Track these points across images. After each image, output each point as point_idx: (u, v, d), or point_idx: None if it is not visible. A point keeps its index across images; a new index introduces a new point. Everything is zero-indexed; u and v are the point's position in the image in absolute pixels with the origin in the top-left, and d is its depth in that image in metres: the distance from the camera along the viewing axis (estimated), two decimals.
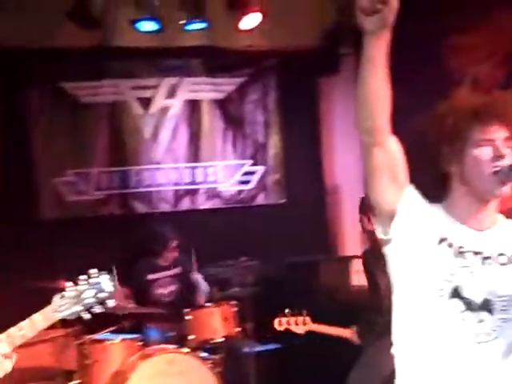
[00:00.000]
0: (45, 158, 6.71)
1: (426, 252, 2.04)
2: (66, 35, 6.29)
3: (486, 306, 2.02)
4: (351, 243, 7.34)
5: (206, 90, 7.25)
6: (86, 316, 2.73)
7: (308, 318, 4.88)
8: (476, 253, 2.06)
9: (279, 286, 6.48)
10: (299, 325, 4.87)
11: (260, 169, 7.38)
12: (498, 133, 2.02)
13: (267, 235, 6.74)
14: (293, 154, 7.37)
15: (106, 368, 4.93)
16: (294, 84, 7.22)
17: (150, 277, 6.04)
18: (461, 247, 2.05)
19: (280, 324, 4.90)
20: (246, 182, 7.33)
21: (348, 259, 6.88)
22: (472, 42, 5.31)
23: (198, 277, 6.11)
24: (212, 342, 5.44)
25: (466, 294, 2.02)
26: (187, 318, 5.42)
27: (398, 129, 2.05)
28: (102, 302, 2.73)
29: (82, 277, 2.74)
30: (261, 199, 7.37)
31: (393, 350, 2.16)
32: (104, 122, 6.93)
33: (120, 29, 6.55)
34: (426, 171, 2.09)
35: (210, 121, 7.25)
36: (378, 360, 4.01)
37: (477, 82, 5.22)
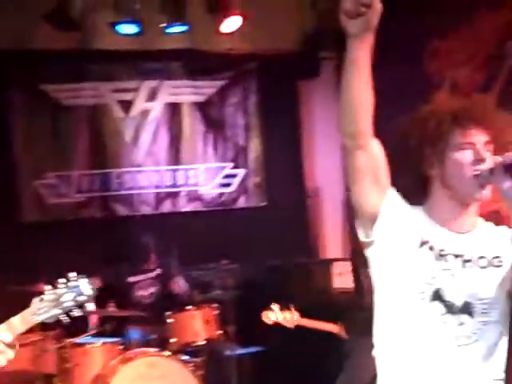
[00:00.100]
0: (26, 160, 6.68)
1: (408, 255, 2.05)
2: (46, 37, 6.26)
3: (467, 309, 2.03)
4: (332, 246, 7.38)
5: (187, 92, 7.25)
6: (65, 319, 2.72)
7: (296, 313, 4.89)
8: (456, 256, 2.07)
9: (260, 288, 6.49)
10: (288, 319, 4.87)
11: (241, 172, 7.39)
12: (478, 136, 2.03)
13: (248, 238, 6.74)
14: (273, 157, 7.39)
15: (86, 372, 4.91)
16: (274, 87, 7.23)
17: (131, 279, 6.02)
18: (442, 250, 2.06)
19: (268, 318, 4.90)
20: (227, 185, 7.33)
21: (329, 262, 6.90)
22: (452, 45, 5.36)
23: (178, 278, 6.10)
24: (194, 345, 5.43)
25: (446, 296, 2.03)
26: (169, 321, 5.41)
27: (379, 132, 2.06)
28: (80, 306, 2.72)
29: (60, 280, 2.73)
30: (242, 202, 7.38)
31: (374, 352, 2.17)
32: (85, 125, 6.90)
33: (100, 31, 6.53)
34: (407, 174, 2.10)
35: (191, 124, 7.25)
36: (364, 363, 4.03)
37: (456, 86, 5.27)
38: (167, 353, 5.09)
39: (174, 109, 7.20)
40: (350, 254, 4.75)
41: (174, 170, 7.17)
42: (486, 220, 2.17)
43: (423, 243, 2.06)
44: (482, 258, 2.08)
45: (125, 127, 7.02)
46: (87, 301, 2.70)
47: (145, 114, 7.09)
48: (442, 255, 2.06)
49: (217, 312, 5.56)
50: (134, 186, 7.02)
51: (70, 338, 4.96)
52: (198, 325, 5.44)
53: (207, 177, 7.27)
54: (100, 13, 6.51)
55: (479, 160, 2.00)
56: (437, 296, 2.03)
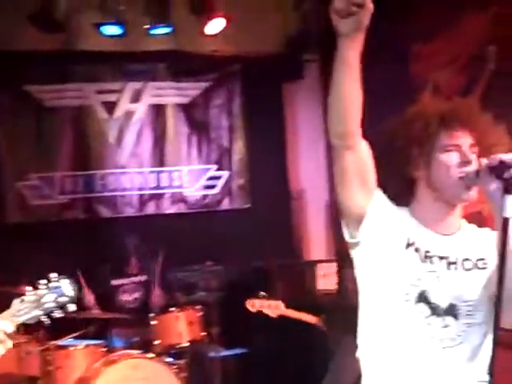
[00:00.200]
0: (9, 161, 6.64)
1: (394, 256, 2.06)
2: (30, 38, 6.24)
3: (452, 311, 2.04)
4: (316, 247, 7.40)
5: (171, 94, 7.24)
6: (46, 321, 2.71)
7: (281, 303, 4.88)
8: (441, 258, 2.07)
9: (244, 290, 6.49)
10: (272, 308, 4.87)
11: (225, 174, 7.39)
12: (464, 139, 2.04)
13: (232, 240, 6.74)
14: (257, 159, 7.39)
15: (69, 374, 4.89)
16: (258, 89, 7.24)
17: (115, 282, 6.00)
18: (427, 252, 2.07)
19: (253, 306, 4.89)
20: (211, 187, 7.33)
21: (313, 263, 6.92)
22: (435, 48, 5.39)
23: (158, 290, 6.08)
24: (177, 346, 5.42)
25: (431, 298, 2.04)
26: (152, 322, 5.40)
27: (364, 132, 2.06)
28: (62, 307, 2.70)
29: (42, 281, 2.72)
30: (226, 204, 7.38)
31: (358, 354, 2.17)
32: (68, 126, 6.87)
33: (84, 32, 6.51)
34: (393, 175, 2.10)
35: (175, 125, 7.24)
36: (348, 364, 4.04)
37: (438, 88, 5.30)
38: (151, 355, 5.08)
39: (158, 110, 7.19)
40: (335, 254, 4.77)
41: (158, 172, 7.15)
42: (469, 221, 2.18)
43: (409, 245, 2.07)
44: (466, 260, 2.09)
45: (109, 128, 7.00)
46: (69, 302, 2.69)
47: (129, 115, 7.07)
48: (427, 257, 2.06)
49: (201, 314, 5.56)
50: (118, 188, 6.99)
51: (53, 340, 4.95)
52: (181, 326, 5.44)
53: (191, 179, 7.26)
54: (84, 14, 6.49)
55: (465, 162, 2.01)
56: (422, 298, 2.03)
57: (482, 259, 2.10)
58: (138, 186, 7.08)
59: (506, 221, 1.82)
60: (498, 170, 1.86)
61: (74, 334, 5.16)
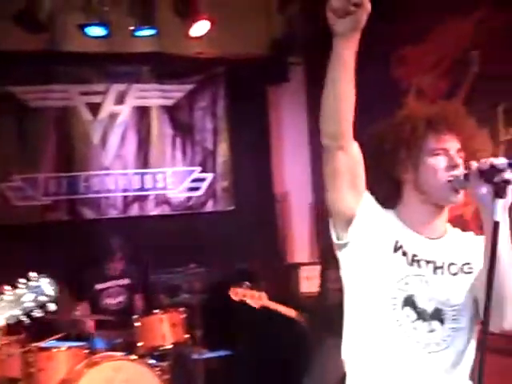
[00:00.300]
0: None
1: (382, 259, 2.05)
2: (14, 39, 6.21)
3: (438, 316, 2.04)
4: (300, 250, 7.41)
5: (155, 96, 7.22)
6: (26, 320, 2.69)
7: (264, 294, 4.90)
8: (428, 262, 2.07)
9: (228, 292, 6.48)
10: (254, 299, 4.89)
11: (209, 176, 7.38)
12: (451, 143, 2.05)
13: (216, 242, 6.73)
14: (241, 162, 7.39)
15: (51, 376, 4.88)
16: (242, 92, 7.24)
17: (99, 286, 5.98)
18: (415, 256, 2.07)
19: (236, 294, 4.91)
20: (195, 189, 7.32)
21: (297, 266, 6.93)
22: (418, 52, 5.42)
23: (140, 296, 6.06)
24: (161, 348, 5.42)
25: (418, 303, 2.03)
26: (136, 324, 5.39)
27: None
28: (42, 306, 2.68)
29: (21, 280, 2.70)
30: (210, 206, 7.37)
31: (343, 356, 2.15)
32: (52, 127, 6.84)
33: (69, 33, 6.49)
34: (381, 178, 2.10)
35: (159, 127, 7.23)
36: (330, 365, 4.05)
37: (421, 92, 5.34)
38: (134, 357, 5.08)
39: (142, 112, 7.18)
40: (319, 257, 4.78)
41: (142, 174, 7.14)
42: (451, 224, 2.18)
43: (397, 248, 2.06)
44: (452, 264, 2.09)
45: (93, 130, 6.97)
46: (49, 301, 2.67)
47: (113, 117, 7.05)
48: (414, 261, 2.06)
49: (184, 316, 5.56)
50: (102, 190, 6.97)
51: (35, 342, 4.92)
52: (165, 328, 5.44)
53: (175, 180, 7.25)
54: (68, 15, 6.47)
55: (453, 166, 2.02)
56: (409, 302, 2.03)
57: (468, 264, 2.10)
58: (122, 187, 7.06)
59: (496, 225, 1.81)
60: (488, 174, 1.85)
61: (57, 336, 5.14)
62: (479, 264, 2.04)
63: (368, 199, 2.08)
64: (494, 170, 1.84)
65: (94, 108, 6.97)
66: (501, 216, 1.83)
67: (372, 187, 2.08)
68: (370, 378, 2.07)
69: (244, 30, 6.89)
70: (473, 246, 2.12)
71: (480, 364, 1.79)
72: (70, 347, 5.05)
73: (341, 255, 2.13)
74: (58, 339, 5.16)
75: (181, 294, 5.99)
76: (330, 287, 4.65)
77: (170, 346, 5.42)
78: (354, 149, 2.01)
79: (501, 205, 1.83)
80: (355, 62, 1.91)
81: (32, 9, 6.10)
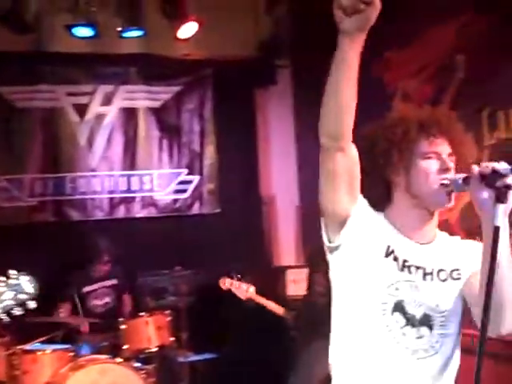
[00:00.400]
0: None
1: (373, 264, 2.04)
2: (0, 39, 6.17)
3: (426, 322, 2.04)
4: (286, 253, 7.41)
5: (142, 97, 7.21)
6: (6, 318, 2.67)
7: (252, 287, 4.94)
8: (418, 267, 2.07)
9: (214, 295, 6.48)
10: (242, 290, 4.95)
11: (195, 178, 7.37)
12: (443, 146, 2.05)
13: (202, 245, 6.72)
14: (228, 164, 7.38)
15: (36, 379, 4.85)
16: (230, 94, 7.23)
17: (86, 289, 5.95)
18: (405, 261, 2.06)
19: (224, 283, 4.98)
20: (182, 191, 7.31)
21: (283, 269, 6.93)
22: (404, 56, 5.44)
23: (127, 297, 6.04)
24: (146, 351, 5.41)
25: (408, 308, 2.03)
26: (121, 327, 5.38)
27: None
28: (21, 304, 2.66)
29: (0, 278, 2.67)
30: (196, 208, 7.36)
31: (330, 360, 2.14)
32: (39, 128, 6.81)
33: (56, 34, 6.47)
34: (373, 180, 2.09)
35: (146, 129, 7.21)
36: (315, 366, 4.06)
37: (407, 96, 5.35)
38: (119, 359, 5.06)
39: (129, 114, 7.16)
40: (306, 260, 4.80)
41: (129, 176, 7.12)
42: (441, 229, 2.17)
43: (389, 253, 2.05)
44: (441, 270, 2.09)
45: (79, 131, 6.95)
46: (29, 299, 2.64)
47: (100, 118, 7.03)
48: (405, 266, 2.05)
49: (169, 318, 5.55)
50: (88, 191, 6.94)
51: (20, 344, 4.90)
52: (150, 331, 5.43)
53: (162, 183, 7.23)
54: (56, 15, 6.45)
55: (445, 169, 2.01)
56: (398, 308, 2.03)
57: (457, 270, 2.10)
58: (109, 189, 7.03)
59: (496, 230, 1.79)
60: (490, 179, 1.83)
61: (42, 339, 5.11)
62: (468, 270, 2.05)
63: (362, 202, 2.07)
64: (497, 174, 1.82)
65: (81, 109, 6.95)
66: (501, 221, 1.80)
67: (363, 189, 2.06)
68: (357, 382, 2.06)
69: (231, 31, 6.89)
70: (461, 251, 2.12)
71: (477, 370, 1.77)
72: (54, 350, 5.02)
73: (331, 258, 2.12)
74: (43, 342, 5.13)
75: (167, 297, 5.98)
76: (317, 290, 4.66)
77: (156, 349, 5.42)
78: (353, 150, 2.00)
79: (502, 210, 1.80)
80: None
81: (18, 9, 6.07)
